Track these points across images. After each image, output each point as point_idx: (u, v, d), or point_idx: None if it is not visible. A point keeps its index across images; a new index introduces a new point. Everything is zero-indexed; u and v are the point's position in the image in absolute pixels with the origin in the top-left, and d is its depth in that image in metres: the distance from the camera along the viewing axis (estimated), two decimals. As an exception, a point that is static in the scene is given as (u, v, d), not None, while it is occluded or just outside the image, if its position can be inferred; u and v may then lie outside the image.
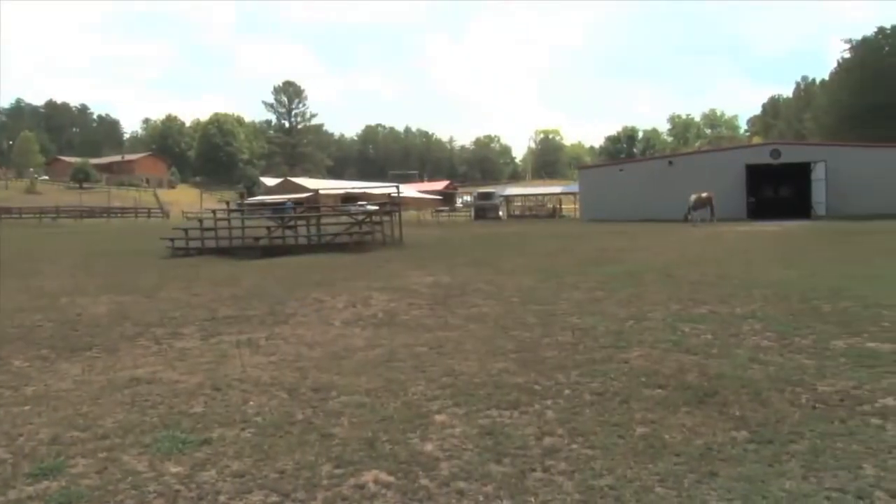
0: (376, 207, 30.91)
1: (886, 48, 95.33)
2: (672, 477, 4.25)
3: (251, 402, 6.01)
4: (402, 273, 15.83)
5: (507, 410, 5.62)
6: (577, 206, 70.05)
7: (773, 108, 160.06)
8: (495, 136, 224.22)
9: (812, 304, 10.16)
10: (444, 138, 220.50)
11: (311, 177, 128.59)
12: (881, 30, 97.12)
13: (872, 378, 6.29)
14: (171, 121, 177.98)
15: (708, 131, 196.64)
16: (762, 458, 4.51)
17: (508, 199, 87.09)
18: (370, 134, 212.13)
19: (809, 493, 4.00)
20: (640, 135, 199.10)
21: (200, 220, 27.57)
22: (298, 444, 4.97)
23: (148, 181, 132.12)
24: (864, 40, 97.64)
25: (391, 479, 4.35)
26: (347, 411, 5.68)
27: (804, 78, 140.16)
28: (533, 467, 4.46)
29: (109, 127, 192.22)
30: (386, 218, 27.41)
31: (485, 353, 7.63)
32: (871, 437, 4.87)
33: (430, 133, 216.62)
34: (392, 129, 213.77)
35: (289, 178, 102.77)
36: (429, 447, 4.86)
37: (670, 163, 58.17)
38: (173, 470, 4.56)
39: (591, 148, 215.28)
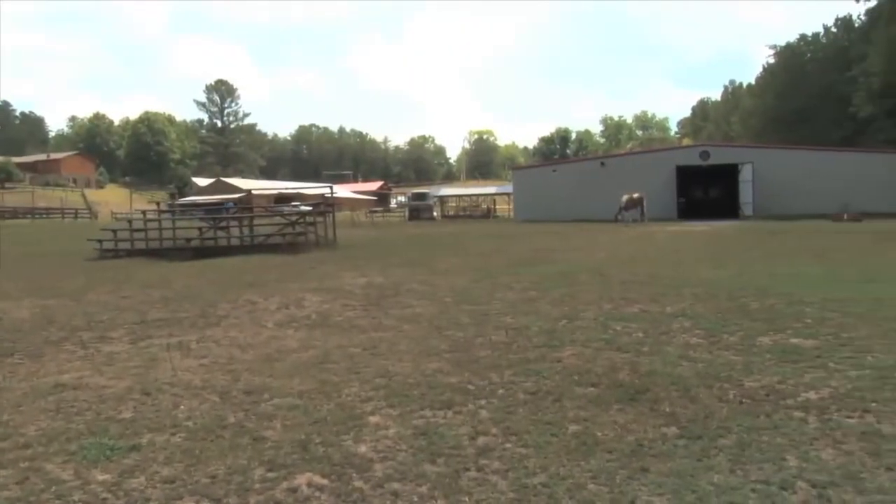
0: (310, 208, 30.60)
1: (808, 54, 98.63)
2: (604, 473, 4.31)
3: (182, 407, 5.91)
4: (335, 274, 15.74)
5: (441, 410, 5.63)
6: (510, 207, 70.44)
7: (703, 110, 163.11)
8: (430, 137, 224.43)
9: (739, 302, 10.40)
10: (379, 139, 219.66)
11: (244, 177, 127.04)
12: (803, 37, 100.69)
13: (796, 373, 6.47)
14: (98, 119, 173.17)
15: (639, 133, 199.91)
16: (691, 453, 4.60)
17: (443, 200, 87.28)
18: (304, 134, 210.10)
19: (736, 485, 4.10)
20: (574, 136, 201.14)
21: (130, 221, 26.95)
22: (230, 448, 4.90)
23: (75, 181, 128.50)
24: (788, 46, 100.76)
25: (325, 481, 4.32)
26: (280, 414, 5.63)
27: (732, 82, 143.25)
28: (467, 467, 4.48)
29: (33, 125, 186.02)
30: (319, 219, 27.21)
31: (419, 354, 7.63)
32: (794, 429, 5.01)
33: (365, 133, 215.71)
34: (326, 129, 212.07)
35: (221, 179, 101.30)
36: (363, 449, 4.83)
37: (602, 164, 58.92)
38: (100, 478, 4.45)
39: (525, 149, 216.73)
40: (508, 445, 4.84)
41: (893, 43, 67.52)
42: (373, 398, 6.00)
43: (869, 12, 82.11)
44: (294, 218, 27.91)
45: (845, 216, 42.48)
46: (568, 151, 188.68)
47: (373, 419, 5.45)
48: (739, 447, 4.69)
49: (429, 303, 11.26)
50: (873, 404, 5.52)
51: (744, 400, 5.72)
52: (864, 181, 49.00)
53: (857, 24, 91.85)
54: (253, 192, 44.45)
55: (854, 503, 3.88)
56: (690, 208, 53.52)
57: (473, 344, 8.08)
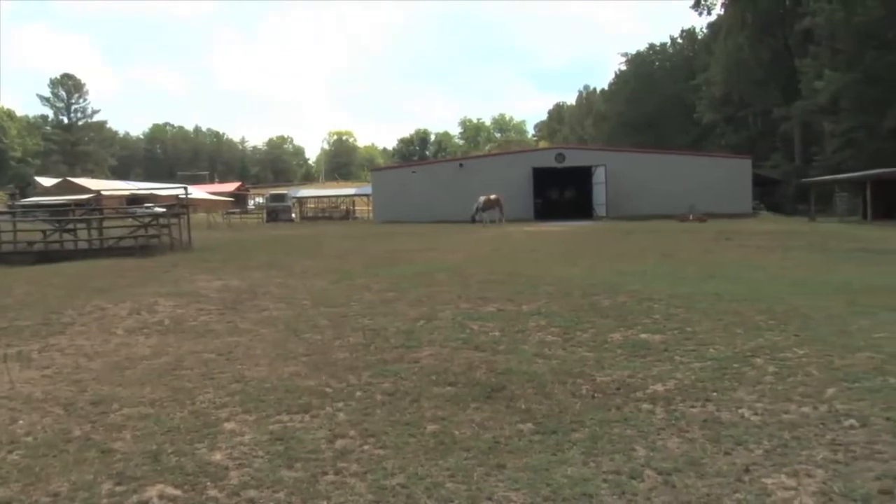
0: (164, 209, 29.62)
1: (657, 63, 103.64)
2: (462, 472, 4.36)
3: (21, 421, 5.60)
4: (190, 277, 15.27)
5: (298, 415, 5.57)
6: (370, 208, 70.36)
7: (559, 114, 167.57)
8: (288, 137, 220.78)
9: (592, 300, 10.74)
10: (236, 138, 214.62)
11: (93, 177, 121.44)
12: (652, 46, 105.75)
13: (644, 367, 6.76)
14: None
15: (498, 135, 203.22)
16: (546, 448, 4.72)
17: (301, 201, 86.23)
18: (158, 133, 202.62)
19: (589, 476, 4.24)
20: (433, 137, 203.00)
21: (-36, 224, 25.35)
22: (75, 462, 4.68)
23: None
24: (638, 54, 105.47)
25: (177, 492, 4.19)
26: (130, 424, 5.42)
27: (586, 87, 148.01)
28: (325, 471, 4.44)
29: None
30: (174, 220, 26.35)
31: (275, 358, 7.52)
32: (642, 421, 5.24)
33: (222, 133, 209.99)
34: (181, 128, 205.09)
35: (68, 179, 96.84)
36: (217, 456, 4.72)
37: (461, 165, 59.57)
38: (-78, 505, 4.16)
39: (385, 150, 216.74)
40: (367, 447, 4.83)
41: (732, 55, 71.68)
42: (228, 404, 5.87)
43: (710, 26, 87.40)
44: (147, 220, 27.00)
45: (691, 217, 44.70)
46: (427, 153, 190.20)
47: (228, 426, 5.33)
48: (592, 440, 4.85)
49: (286, 306, 11.11)
50: (714, 394, 5.84)
51: (596, 394, 5.92)
52: (707, 184, 51.64)
53: (700, 37, 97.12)
54: (103, 192, 42.67)
55: (696, 487, 4.08)
56: (547, 209, 54.88)
57: (331, 346, 8.03)
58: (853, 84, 54.67)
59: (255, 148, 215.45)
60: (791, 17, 68.01)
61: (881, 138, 54.06)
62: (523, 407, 5.61)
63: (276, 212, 70.87)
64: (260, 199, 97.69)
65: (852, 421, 5.13)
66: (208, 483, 4.30)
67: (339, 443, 4.93)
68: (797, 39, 66.88)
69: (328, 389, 6.24)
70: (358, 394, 6.09)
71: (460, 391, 6.08)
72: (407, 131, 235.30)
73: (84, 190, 71.95)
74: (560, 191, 59.40)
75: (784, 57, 69.29)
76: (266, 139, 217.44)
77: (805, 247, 22.06)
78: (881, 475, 4.18)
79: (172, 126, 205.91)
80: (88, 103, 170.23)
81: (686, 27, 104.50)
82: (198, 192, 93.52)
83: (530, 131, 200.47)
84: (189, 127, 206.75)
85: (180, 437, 5.09)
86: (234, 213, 74.93)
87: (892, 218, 40.07)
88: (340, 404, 5.81)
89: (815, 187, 52.51)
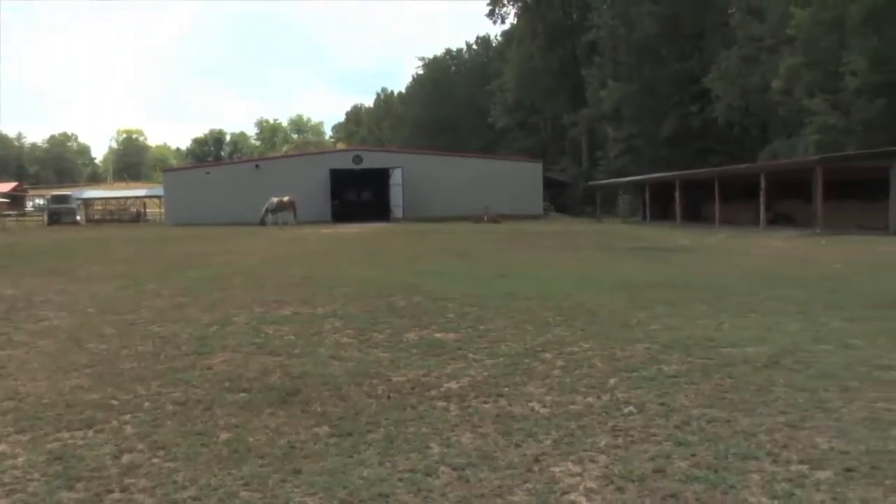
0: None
1: (453, 68, 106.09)
2: (257, 479, 4.26)
3: None
4: (-43, 286, 14.04)
5: (80, 431, 5.22)
6: (162, 210, 67.61)
7: (356, 115, 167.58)
8: (73, 135, 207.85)
9: (388, 301, 10.83)
10: (12, 134, 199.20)
11: None
12: (449, 51, 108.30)
13: (439, 365, 6.89)
14: None
15: (295, 136, 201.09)
16: (343, 451, 4.70)
17: (87, 203, 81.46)
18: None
19: (385, 477, 4.26)
20: (228, 138, 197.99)
21: None
22: None
23: None
24: (435, 59, 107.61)
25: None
26: None
27: (384, 89, 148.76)
28: (110, 488, 4.19)
29: None
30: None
31: (55, 371, 7.03)
32: (437, 418, 5.33)
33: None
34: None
35: None
36: (-16, 484, 4.32)
37: (258, 166, 58.47)
38: None
39: (178, 150, 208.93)
40: (156, 460, 4.62)
41: (524, 63, 74.59)
42: (-1, 424, 5.41)
43: (504, 34, 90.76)
44: None
45: (485, 218, 46.12)
46: (223, 153, 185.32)
47: (-1, 448, 4.91)
48: (388, 440, 4.87)
49: (68, 314, 10.45)
50: (506, 389, 6.04)
51: (391, 394, 5.96)
52: (501, 185, 53.56)
53: (494, 44, 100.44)
54: None
55: (489, 480, 4.19)
56: (344, 211, 54.83)
57: (118, 356, 7.63)
58: (633, 94, 58.66)
59: (34, 145, 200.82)
60: (578, 29, 71.47)
61: (658, 145, 58.11)
62: (319, 410, 5.56)
63: (58, 214, 66.51)
64: (40, 201, 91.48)
65: (631, 408, 5.47)
66: (-28, 513, 3.95)
67: (126, 458, 4.68)
68: (584, 50, 70.56)
69: (114, 402, 5.91)
70: (146, 405, 5.82)
71: (254, 397, 5.95)
72: (201, 131, 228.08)
73: None
74: (358, 192, 59.69)
75: (572, 66, 72.94)
76: (47, 136, 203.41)
77: (591, 246, 23.34)
78: (655, 456, 4.50)
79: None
80: None
81: (482, 34, 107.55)
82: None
83: (328, 133, 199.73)
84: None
85: (-62, 464, 4.63)
86: (10, 215, 69.93)
87: (668, 218, 43.22)
88: (128, 417, 5.52)
89: (601, 190, 55.74)
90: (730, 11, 56.09)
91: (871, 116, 35.59)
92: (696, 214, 42.57)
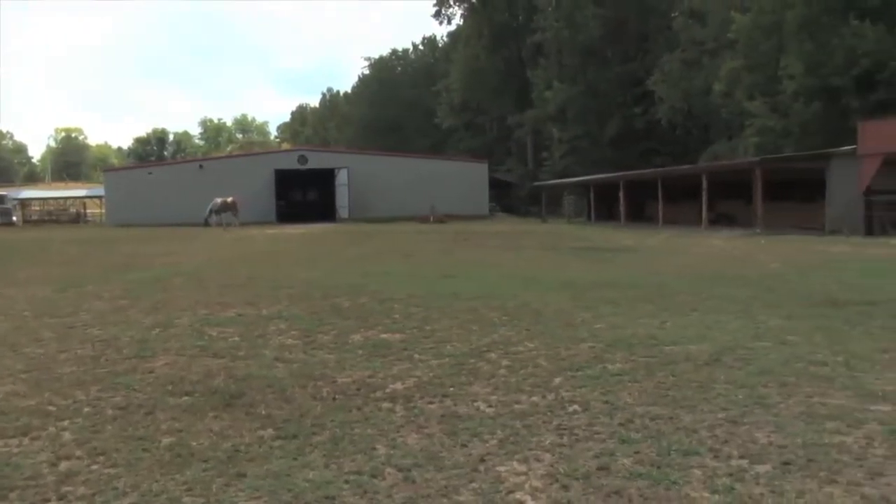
0: None
1: (399, 68, 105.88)
2: (200, 484, 4.19)
3: None
4: None
5: (14, 438, 5.07)
6: (103, 211, 66.34)
7: (301, 115, 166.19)
8: (8, 133, 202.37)
9: (333, 302, 10.78)
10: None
11: None
12: (395, 51, 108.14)
13: (385, 366, 6.87)
14: None
15: (240, 136, 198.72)
16: (287, 453, 4.65)
17: (25, 203, 79.66)
18: None
19: (330, 479, 4.22)
20: (171, 137, 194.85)
21: None
22: None
23: None
24: (381, 59, 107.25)
25: None
26: None
27: (329, 89, 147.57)
28: (46, 497, 4.08)
29: None
30: None
31: (-12, 377, 6.83)
32: (383, 419, 5.31)
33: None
34: None
35: None
36: None
37: (201, 166, 57.78)
38: None
39: (120, 149, 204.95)
40: (95, 467, 4.51)
41: (469, 64, 74.79)
42: (-74, 434, 5.24)
43: (451, 35, 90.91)
44: None
45: (431, 218, 46.17)
46: (165, 153, 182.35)
47: (-76, 460, 4.75)
48: (333, 442, 4.84)
49: (2, 318, 10.20)
50: (451, 389, 6.05)
51: (337, 396, 5.93)
52: (447, 186, 53.72)
53: (440, 45, 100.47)
54: None
55: (435, 480, 4.18)
56: (290, 211, 54.40)
57: (56, 360, 7.45)
58: (578, 96, 59.34)
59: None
60: (524, 31, 71.93)
61: (603, 146, 58.82)
62: (264, 413, 5.50)
63: (-8, 215, 64.92)
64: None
65: (575, 406, 5.51)
66: None
67: (64, 465, 4.56)
68: (529, 52, 71.05)
69: (51, 408, 5.76)
70: (86, 410, 5.69)
71: (198, 400, 5.86)
72: (143, 130, 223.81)
73: None
74: (303, 193, 59.30)
75: (518, 68, 73.38)
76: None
77: (537, 246, 23.52)
78: (599, 453, 4.54)
79: None
80: None
81: (428, 35, 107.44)
82: None
83: (273, 133, 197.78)
84: None
85: None
86: (-63, 217, 67.88)
87: (613, 218, 43.74)
88: (66, 423, 5.39)
89: (547, 190, 56.17)
90: (673, 15, 57.15)
91: (807, 119, 36.52)
92: (640, 214, 43.21)
